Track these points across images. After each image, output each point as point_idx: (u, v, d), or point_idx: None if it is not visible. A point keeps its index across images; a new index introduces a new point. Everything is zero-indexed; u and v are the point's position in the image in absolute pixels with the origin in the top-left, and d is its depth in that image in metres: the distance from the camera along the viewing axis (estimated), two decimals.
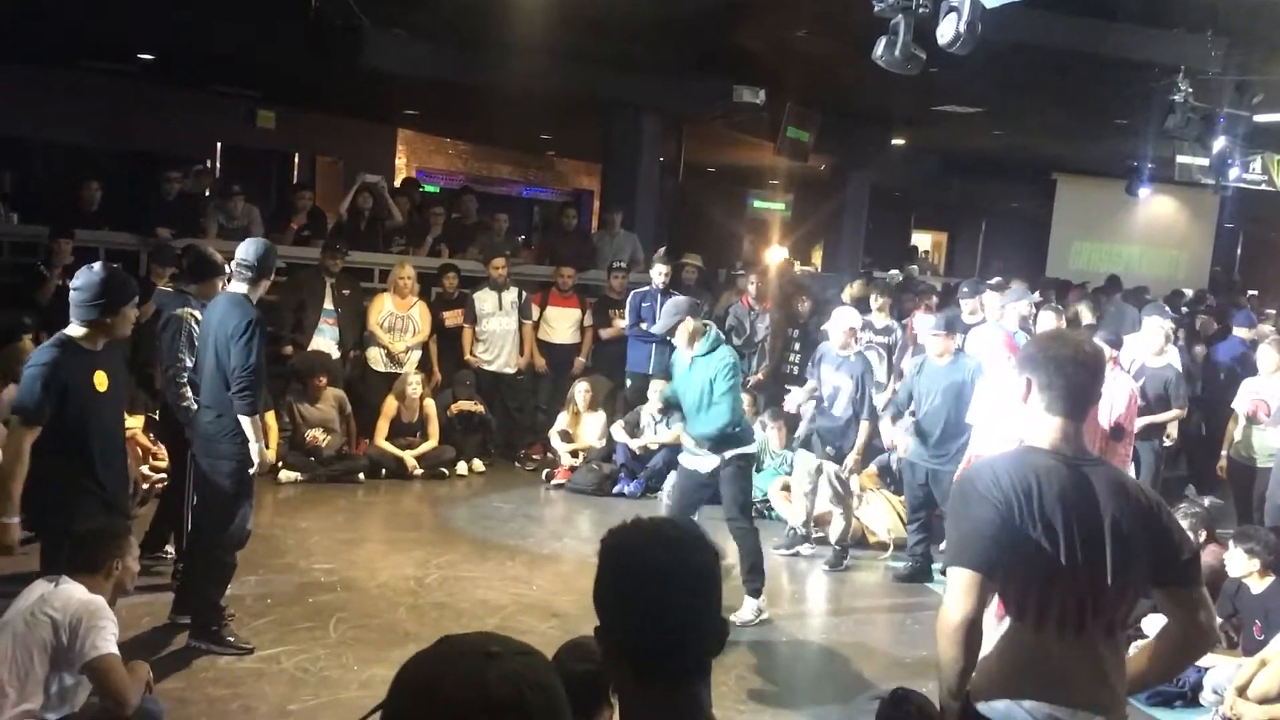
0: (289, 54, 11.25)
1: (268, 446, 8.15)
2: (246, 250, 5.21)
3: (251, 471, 5.14)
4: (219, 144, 15.66)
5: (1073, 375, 2.54)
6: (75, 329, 4.40)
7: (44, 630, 3.60)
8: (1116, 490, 2.49)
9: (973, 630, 2.43)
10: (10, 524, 4.15)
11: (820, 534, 7.64)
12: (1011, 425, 6.33)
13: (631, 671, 1.67)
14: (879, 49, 7.02)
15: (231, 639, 5.15)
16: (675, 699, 1.65)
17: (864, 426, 7.13)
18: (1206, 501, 8.43)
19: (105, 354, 4.49)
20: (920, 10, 6.34)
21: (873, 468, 8.27)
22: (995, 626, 2.50)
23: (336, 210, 11.30)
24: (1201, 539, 6.03)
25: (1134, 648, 4.01)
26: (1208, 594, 2.60)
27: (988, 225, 21.62)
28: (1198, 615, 2.54)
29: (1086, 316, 8.12)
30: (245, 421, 5.04)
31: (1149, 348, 7.97)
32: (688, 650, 1.66)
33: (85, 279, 4.43)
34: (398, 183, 15.08)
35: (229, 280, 5.38)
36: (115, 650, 3.68)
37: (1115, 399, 6.81)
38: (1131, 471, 7.63)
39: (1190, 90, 9.42)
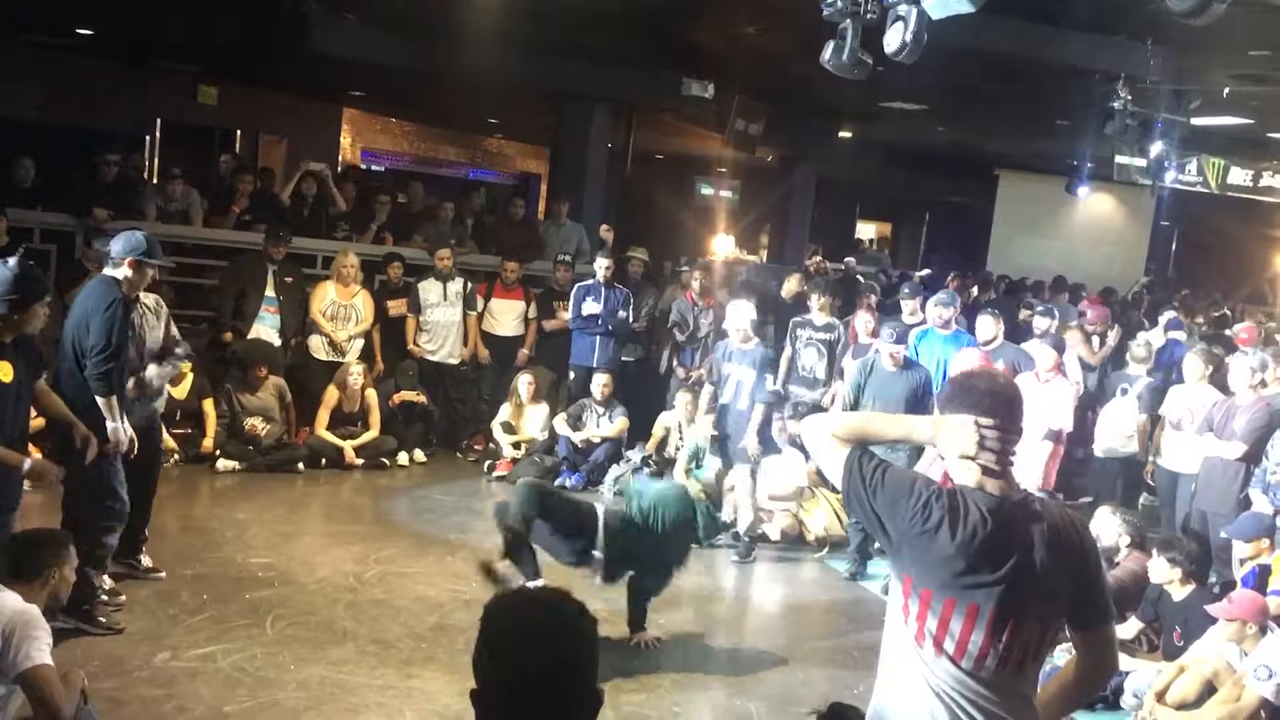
0: (234, 32, 11.09)
1: (206, 435, 8.24)
2: (115, 242, 5.33)
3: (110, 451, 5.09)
4: (159, 120, 15.35)
5: (992, 413, 2.54)
6: None
7: None
8: (1045, 529, 2.49)
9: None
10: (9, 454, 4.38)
11: (760, 532, 7.74)
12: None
13: None
14: (827, 53, 7.07)
15: (103, 619, 5.12)
16: None
17: (758, 409, 7.29)
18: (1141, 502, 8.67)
19: (11, 347, 4.47)
20: (868, 16, 6.41)
21: (812, 465, 8.35)
22: (909, 657, 2.54)
23: (279, 192, 11.15)
24: (1127, 543, 6.21)
25: (1059, 651, 4.14)
26: (1115, 628, 2.70)
27: (931, 217, 21.95)
28: (1108, 652, 2.63)
29: (990, 329, 7.67)
30: (102, 402, 5.03)
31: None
32: (554, 717, 1.71)
33: None
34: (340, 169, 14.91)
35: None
36: (49, 660, 3.64)
37: (1056, 404, 6.96)
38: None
39: (1129, 97, 9.61)
